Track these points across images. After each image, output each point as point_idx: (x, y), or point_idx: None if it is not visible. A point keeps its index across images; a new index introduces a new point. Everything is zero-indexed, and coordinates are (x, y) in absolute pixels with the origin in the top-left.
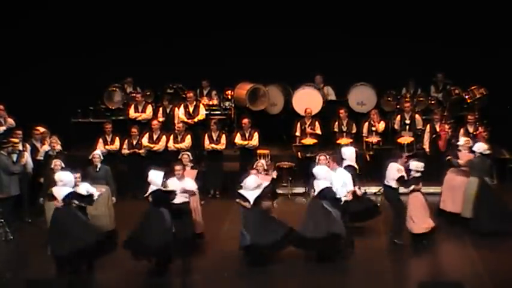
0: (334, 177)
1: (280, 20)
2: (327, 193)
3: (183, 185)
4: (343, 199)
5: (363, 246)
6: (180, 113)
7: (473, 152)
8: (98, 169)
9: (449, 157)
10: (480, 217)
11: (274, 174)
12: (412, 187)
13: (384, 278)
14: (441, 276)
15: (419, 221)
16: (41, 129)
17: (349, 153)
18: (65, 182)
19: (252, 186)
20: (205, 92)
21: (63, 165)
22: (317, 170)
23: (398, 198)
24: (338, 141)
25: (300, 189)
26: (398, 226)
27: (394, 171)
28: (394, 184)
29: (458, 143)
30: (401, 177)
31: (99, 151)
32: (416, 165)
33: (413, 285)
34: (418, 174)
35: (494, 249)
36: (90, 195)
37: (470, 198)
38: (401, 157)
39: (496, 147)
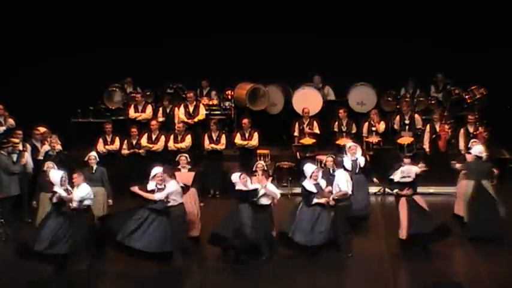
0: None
1: (280, 22)
2: (302, 191)
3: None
4: (314, 201)
5: (364, 247)
6: (180, 113)
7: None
8: (93, 171)
9: (453, 161)
10: (472, 221)
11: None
12: (395, 191)
13: (384, 278)
14: (441, 276)
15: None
16: (42, 129)
17: (346, 148)
18: (51, 180)
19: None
20: (204, 92)
21: (55, 167)
22: (305, 167)
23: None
24: (337, 142)
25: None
26: None
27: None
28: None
29: (469, 145)
30: (391, 179)
31: (94, 152)
32: (402, 170)
33: (413, 286)
34: (405, 180)
35: (495, 251)
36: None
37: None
38: (403, 160)
39: (495, 148)
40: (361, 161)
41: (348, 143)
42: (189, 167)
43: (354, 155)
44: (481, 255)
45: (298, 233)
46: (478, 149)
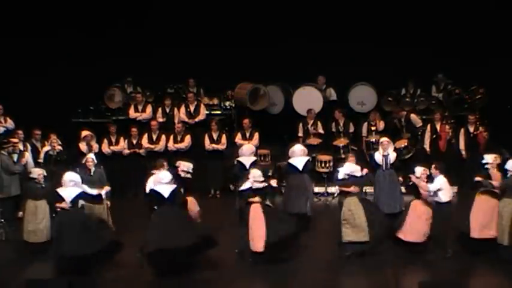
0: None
1: (281, 23)
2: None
3: None
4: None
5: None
6: (181, 113)
7: (505, 170)
8: (92, 173)
9: (478, 178)
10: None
11: (274, 183)
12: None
13: (385, 280)
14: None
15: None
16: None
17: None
18: (75, 182)
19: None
20: (193, 91)
21: (45, 173)
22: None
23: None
24: (335, 142)
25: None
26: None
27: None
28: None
29: (486, 161)
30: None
31: (92, 154)
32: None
33: (413, 285)
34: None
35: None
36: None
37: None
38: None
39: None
40: (392, 157)
41: (382, 138)
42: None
43: (386, 150)
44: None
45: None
46: None
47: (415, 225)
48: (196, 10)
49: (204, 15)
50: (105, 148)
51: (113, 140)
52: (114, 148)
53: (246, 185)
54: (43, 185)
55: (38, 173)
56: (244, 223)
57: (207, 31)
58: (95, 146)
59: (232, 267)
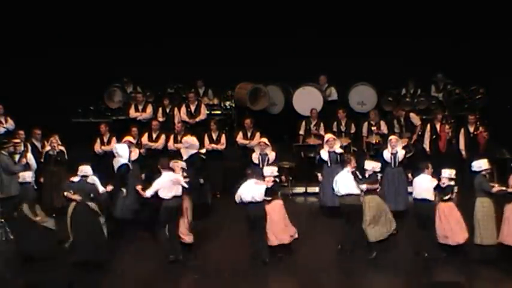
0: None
1: (281, 22)
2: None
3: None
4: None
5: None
6: (182, 112)
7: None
8: None
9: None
10: None
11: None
12: (449, 196)
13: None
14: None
15: (454, 232)
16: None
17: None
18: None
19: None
20: (201, 92)
21: (31, 176)
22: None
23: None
24: None
25: (300, 189)
26: (430, 240)
27: (427, 182)
28: (430, 196)
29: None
30: (438, 185)
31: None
32: (449, 173)
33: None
34: (452, 183)
35: None
36: None
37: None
38: (428, 168)
39: (496, 148)
40: (400, 155)
41: (390, 136)
42: (185, 174)
43: (394, 148)
44: None
45: (325, 197)
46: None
47: None
48: (198, 9)
49: (206, 14)
50: (97, 148)
51: (105, 139)
52: (106, 148)
53: None
54: (35, 187)
55: (23, 175)
56: None
57: (206, 32)
58: (135, 152)
59: (233, 267)
